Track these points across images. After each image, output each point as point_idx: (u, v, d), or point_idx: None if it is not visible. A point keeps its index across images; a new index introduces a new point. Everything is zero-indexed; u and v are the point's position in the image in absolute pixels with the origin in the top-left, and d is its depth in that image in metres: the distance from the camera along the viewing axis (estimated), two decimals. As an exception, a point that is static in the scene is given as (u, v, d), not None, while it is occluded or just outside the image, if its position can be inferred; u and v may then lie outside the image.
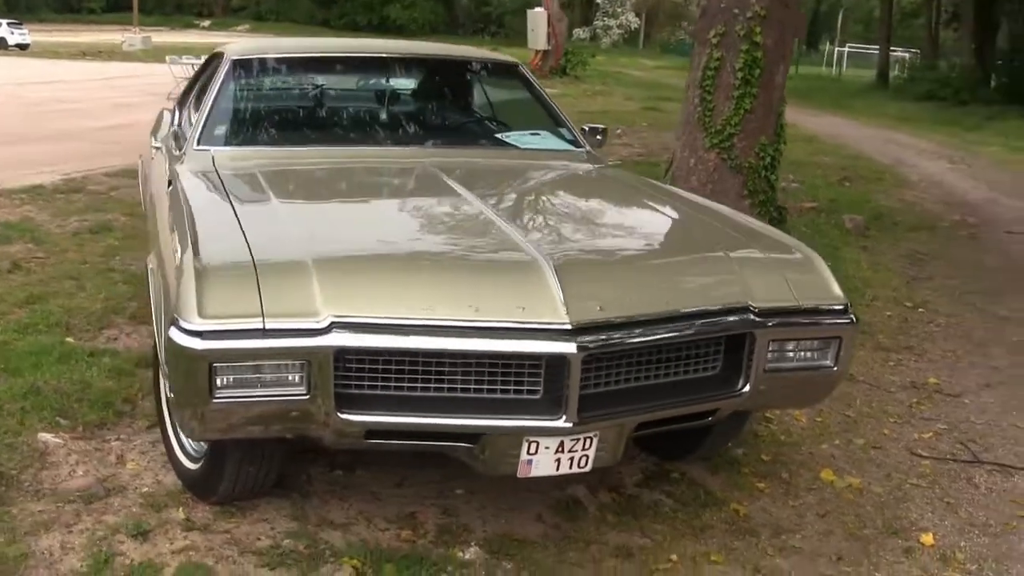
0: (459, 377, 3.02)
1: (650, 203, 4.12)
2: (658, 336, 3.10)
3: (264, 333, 2.85)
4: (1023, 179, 15.20)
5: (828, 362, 3.42)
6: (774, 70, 7.47)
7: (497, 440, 3.03)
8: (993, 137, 21.80)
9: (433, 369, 2.99)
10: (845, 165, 14.59)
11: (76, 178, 9.78)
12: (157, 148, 5.35)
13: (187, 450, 3.71)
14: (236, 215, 3.44)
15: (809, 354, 3.40)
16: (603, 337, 2.98)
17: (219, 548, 3.31)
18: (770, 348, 3.29)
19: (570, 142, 4.87)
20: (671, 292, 3.22)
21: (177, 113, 5.64)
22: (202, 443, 3.60)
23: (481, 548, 3.43)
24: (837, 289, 3.45)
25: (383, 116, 4.93)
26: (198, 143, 4.37)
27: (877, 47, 39.99)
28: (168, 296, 3.07)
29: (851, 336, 3.42)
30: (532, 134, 4.90)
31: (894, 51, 37.77)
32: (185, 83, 18.27)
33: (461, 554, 3.39)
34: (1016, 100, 28.20)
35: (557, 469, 3.12)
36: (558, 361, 2.95)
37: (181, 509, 3.54)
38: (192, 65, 18.85)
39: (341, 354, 2.89)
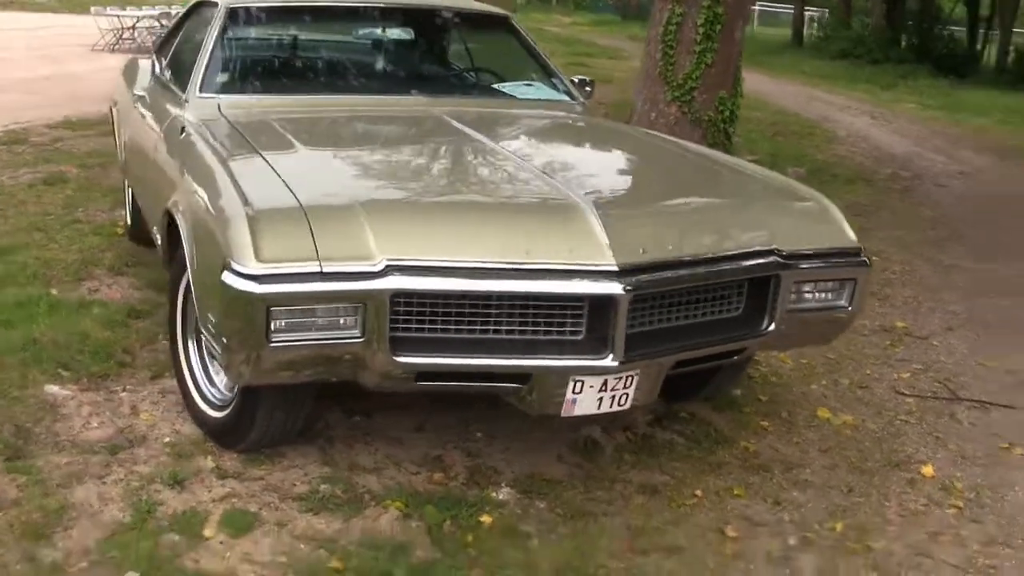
0: (504, 318, 3.09)
1: (664, 152, 4.21)
2: (696, 278, 3.21)
3: (321, 276, 2.87)
4: (941, 135, 15.72)
5: (843, 302, 3.56)
6: (734, 26, 7.63)
7: (545, 380, 3.11)
8: (907, 95, 22.45)
9: (480, 311, 3.05)
10: (775, 120, 14.88)
11: (16, 130, 9.48)
12: (140, 96, 5.25)
13: (208, 398, 3.71)
14: (267, 162, 3.43)
15: (826, 295, 3.54)
16: (648, 278, 3.07)
17: (259, 495, 3.33)
18: (792, 290, 3.43)
19: (564, 93, 4.93)
20: (704, 235, 3.32)
21: (157, 62, 5.53)
22: (227, 391, 3.61)
23: (512, 488, 3.52)
24: (852, 234, 3.59)
25: (383, 65, 4.93)
26: (200, 90, 4.31)
27: (788, 6, 40.56)
28: (213, 242, 3.05)
29: (865, 278, 3.57)
30: (527, 84, 4.94)
31: (808, 10, 38.32)
32: (111, 35, 17.72)
33: (495, 494, 3.47)
34: (926, 59, 29.04)
35: (599, 407, 3.22)
36: (604, 302, 3.03)
37: (209, 458, 3.54)
38: (118, 16, 18.42)
39: (396, 297, 2.93)
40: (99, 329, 4.61)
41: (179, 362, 3.85)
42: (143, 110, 4.99)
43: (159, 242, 4.10)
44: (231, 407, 3.55)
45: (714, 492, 3.62)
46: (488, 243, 3.04)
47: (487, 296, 3.02)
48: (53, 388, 4.02)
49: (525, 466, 3.70)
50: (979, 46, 32.76)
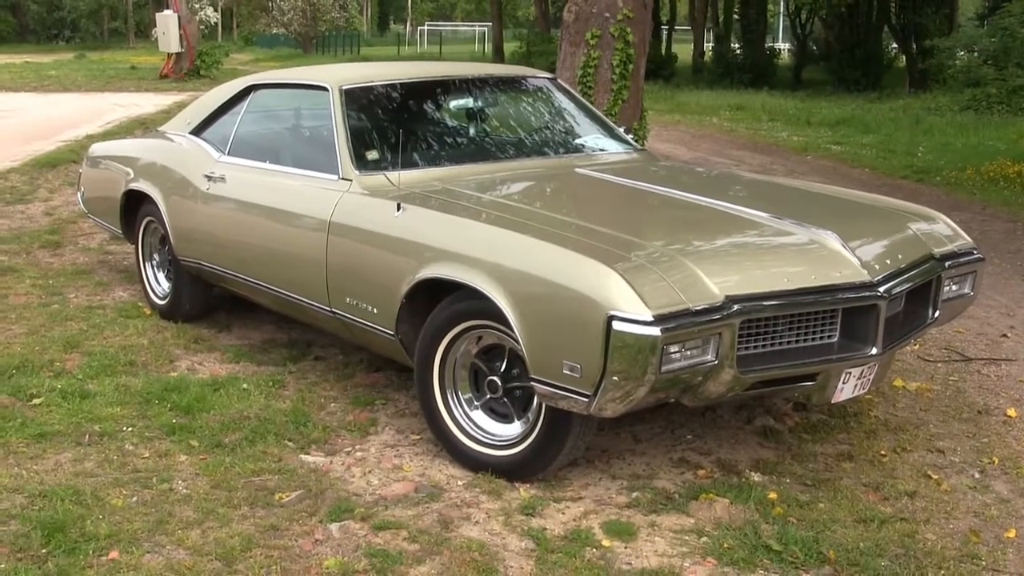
0: (789, 330, 3.88)
1: (790, 189, 5.17)
2: (910, 281, 4.13)
3: (693, 314, 3.54)
4: (702, 138, 17.71)
5: (968, 290, 4.62)
6: (640, 63, 8.71)
7: (830, 374, 3.92)
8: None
9: (782, 327, 3.83)
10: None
11: None
12: (216, 178, 5.49)
13: (485, 441, 4.19)
14: (553, 226, 4.01)
15: (958, 286, 4.57)
16: (890, 286, 3.97)
17: (600, 510, 3.90)
18: (944, 284, 4.44)
19: (628, 143, 5.69)
20: (896, 251, 4.25)
21: (212, 146, 5.75)
22: (520, 430, 4.12)
23: (755, 472, 4.28)
24: (967, 236, 4.66)
25: (494, 131, 5.51)
26: (359, 169, 4.72)
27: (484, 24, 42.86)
28: (578, 300, 3.58)
29: (982, 270, 4.65)
30: (595, 138, 5.64)
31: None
32: None
33: (752, 479, 4.21)
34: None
35: (853, 392, 4.07)
36: (865, 307, 3.90)
37: (520, 488, 4.04)
38: None
39: (743, 324, 3.64)
40: (270, 402, 4.88)
41: (440, 419, 4.29)
42: (244, 191, 5.32)
43: (383, 312, 4.45)
44: (527, 443, 4.06)
45: (892, 450, 4.55)
46: (784, 273, 3.83)
47: (795, 314, 3.81)
48: (307, 457, 4.33)
49: (743, 454, 4.47)
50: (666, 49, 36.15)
